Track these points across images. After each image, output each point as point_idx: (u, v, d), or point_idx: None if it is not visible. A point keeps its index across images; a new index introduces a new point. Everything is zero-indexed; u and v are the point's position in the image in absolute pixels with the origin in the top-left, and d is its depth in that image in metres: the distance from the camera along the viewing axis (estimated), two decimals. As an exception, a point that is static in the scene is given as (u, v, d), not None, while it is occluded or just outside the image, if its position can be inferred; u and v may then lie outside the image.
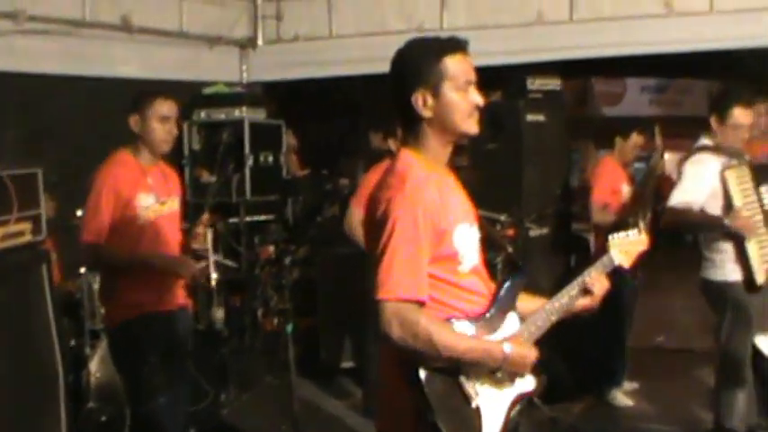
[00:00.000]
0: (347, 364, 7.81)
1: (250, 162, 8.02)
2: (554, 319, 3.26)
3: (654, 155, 7.42)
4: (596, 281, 3.36)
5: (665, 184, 6.42)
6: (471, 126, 3.03)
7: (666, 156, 7.08)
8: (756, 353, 3.71)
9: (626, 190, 7.31)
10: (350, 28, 8.28)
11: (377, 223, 2.91)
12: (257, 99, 8.55)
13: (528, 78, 7.62)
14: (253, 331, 8.08)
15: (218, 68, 8.60)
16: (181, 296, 4.96)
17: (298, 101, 9.80)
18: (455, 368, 2.94)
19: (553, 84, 7.76)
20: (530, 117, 7.59)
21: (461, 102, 3.00)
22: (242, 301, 8.11)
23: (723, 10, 7.19)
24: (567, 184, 8.07)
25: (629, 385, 7.36)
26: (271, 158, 8.33)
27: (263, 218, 8.42)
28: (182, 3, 8.03)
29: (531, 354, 3.07)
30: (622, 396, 7.21)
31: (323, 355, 7.91)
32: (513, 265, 6.17)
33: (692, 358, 7.06)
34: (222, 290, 7.17)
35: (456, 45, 3.05)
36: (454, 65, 3.00)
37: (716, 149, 5.63)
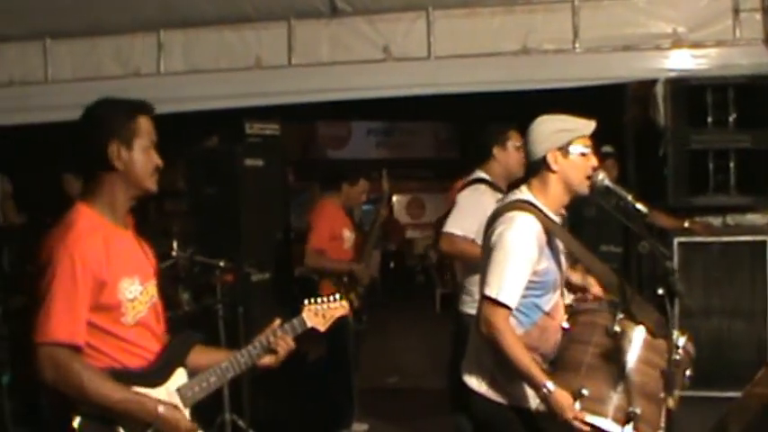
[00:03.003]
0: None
1: (-37, 210, 7.66)
2: (230, 376, 3.35)
3: (380, 199, 7.56)
4: (281, 341, 3.45)
5: (394, 227, 6.51)
6: (153, 184, 3.22)
7: (394, 198, 7.20)
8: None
9: (347, 235, 7.35)
10: (66, 73, 7.93)
11: (41, 271, 3.00)
12: (-31, 145, 8.16)
13: (246, 123, 7.62)
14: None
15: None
16: None
17: (14, 145, 9.39)
18: (112, 419, 3.00)
19: (271, 128, 7.82)
20: (248, 162, 7.59)
21: (148, 160, 3.19)
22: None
23: (440, 56, 7.40)
24: (288, 228, 8.11)
25: (358, 426, 7.46)
26: (-14, 206, 8.00)
27: (-25, 267, 8.00)
28: None
29: (184, 422, 3.13)
30: (352, 437, 7.30)
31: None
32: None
33: (424, 398, 7.23)
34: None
35: (146, 108, 3.24)
36: (145, 125, 3.20)
37: (492, 184, 5.73)
